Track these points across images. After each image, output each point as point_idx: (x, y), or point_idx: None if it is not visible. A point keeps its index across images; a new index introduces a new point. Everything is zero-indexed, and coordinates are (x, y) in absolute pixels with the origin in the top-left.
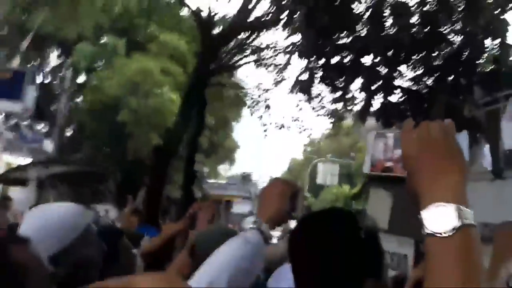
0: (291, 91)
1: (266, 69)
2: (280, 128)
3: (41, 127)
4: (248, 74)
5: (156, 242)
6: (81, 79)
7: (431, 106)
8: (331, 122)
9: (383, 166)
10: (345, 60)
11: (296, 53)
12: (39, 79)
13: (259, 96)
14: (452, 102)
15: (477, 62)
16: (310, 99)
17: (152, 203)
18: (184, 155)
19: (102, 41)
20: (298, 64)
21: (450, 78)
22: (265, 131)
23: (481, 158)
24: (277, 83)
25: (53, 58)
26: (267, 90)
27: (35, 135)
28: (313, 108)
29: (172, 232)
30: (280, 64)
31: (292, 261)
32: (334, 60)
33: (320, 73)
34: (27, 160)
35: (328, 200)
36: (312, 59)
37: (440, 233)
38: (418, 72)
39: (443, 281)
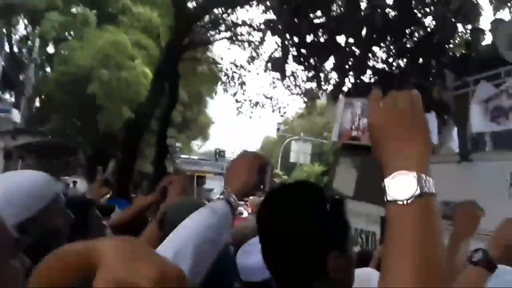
0: (265, 69)
1: (241, 45)
2: (254, 106)
3: (8, 97)
4: (223, 50)
5: (127, 214)
6: (50, 49)
7: (402, 87)
8: (305, 102)
9: (350, 135)
10: (320, 40)
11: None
12: (6, 48)
13: (233, 73)
14: (422, 83)
15: (448, 45)
16: (283, 77)
17: (123, 177)
18: (156, 129)
19: (72, 11)
20: (273, 41)
21: (421, 60)
22: (238, 108)
23: (449, 140)
24: (251, 60)
25: (21, 27)
26: (241, 67)
27: (3, 104)
28: (287, 87)
29: (143, 204)
30: (255, 41)
31: (260, 232)
32: (309, 39)
33: (294, 52)
34: None
35: (300, 178)
36: (287, 37)
37: (400, 201)
38: (390, 53)
39: (401, 247)
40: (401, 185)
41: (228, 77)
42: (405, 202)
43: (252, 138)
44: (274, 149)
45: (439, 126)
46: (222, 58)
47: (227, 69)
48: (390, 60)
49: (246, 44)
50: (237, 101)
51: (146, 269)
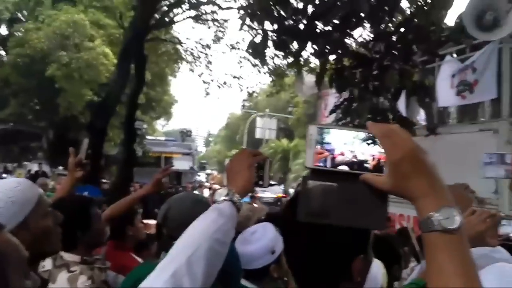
0: (247, 52)
1: (205, 24)
2: (222, 86)
3: None
4: (187, 29)
5: (121, 205)
6: (4, 31)
7: (381, 71)
8: (272, 80)
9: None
10: (300, 26)
11: (237, 10)
12: None
13: (199, 52)
14: (404, 67)
15: (427, 29)
16: (264, 62)
17: (92, 162)
18: (123, 112)
19: None
20: (238, 20)
21: (400, 44)
22: (206, 89)
23: (416, 115)
24: (217, 39)
25: None
26: (207, 47)
27: None
28: (255, 65)
29: (139, 196)
30: (220, 20)
31: (285, 234)
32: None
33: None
34: None
35: (266, 154)
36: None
37: (452, 230)
38: (370, 38)
39: (456, 265)
40: (449, 216)
41: (194, 57)
42: (454, 231)
43: (218, 116)
44: (240, 126)
45: (410, 103)
46: (188, 38)
47: (192, 49)
48: (370, 44)
49: (210, 23)
50: (204, 82)
51: None
